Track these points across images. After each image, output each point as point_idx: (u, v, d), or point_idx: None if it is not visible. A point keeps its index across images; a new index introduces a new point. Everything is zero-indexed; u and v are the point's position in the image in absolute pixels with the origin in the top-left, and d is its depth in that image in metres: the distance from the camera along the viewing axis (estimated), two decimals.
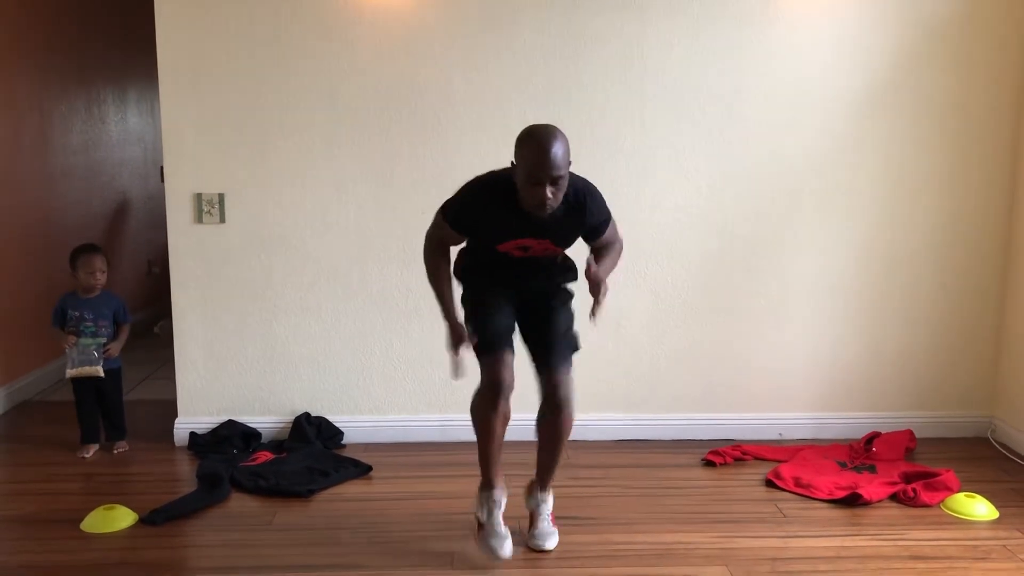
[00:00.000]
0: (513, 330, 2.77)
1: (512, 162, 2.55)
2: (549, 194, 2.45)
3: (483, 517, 2.79)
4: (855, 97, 3.72)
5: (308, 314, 3.78)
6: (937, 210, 3.81)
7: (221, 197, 3.69)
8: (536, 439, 2.86)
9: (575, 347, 2.79)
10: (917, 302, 3.87)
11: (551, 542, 2.86)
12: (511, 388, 2.67)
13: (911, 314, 3.87)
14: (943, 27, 3.68)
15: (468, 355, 2.70)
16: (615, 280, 3.75)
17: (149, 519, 3.05)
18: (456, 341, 2.70)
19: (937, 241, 3.83)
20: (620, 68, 3.66)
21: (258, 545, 2.91)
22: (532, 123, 2.58)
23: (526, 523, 3.00)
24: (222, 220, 3.71)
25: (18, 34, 4.57)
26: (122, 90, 5.82)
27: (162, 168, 3.78)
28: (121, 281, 4.98)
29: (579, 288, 2.79)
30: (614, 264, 2.80)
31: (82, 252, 3.72)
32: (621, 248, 2.85)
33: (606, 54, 3.65)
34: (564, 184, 2.49)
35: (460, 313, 2.77)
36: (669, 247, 3.79)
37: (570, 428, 2.78)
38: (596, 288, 2.56)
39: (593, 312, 2.58)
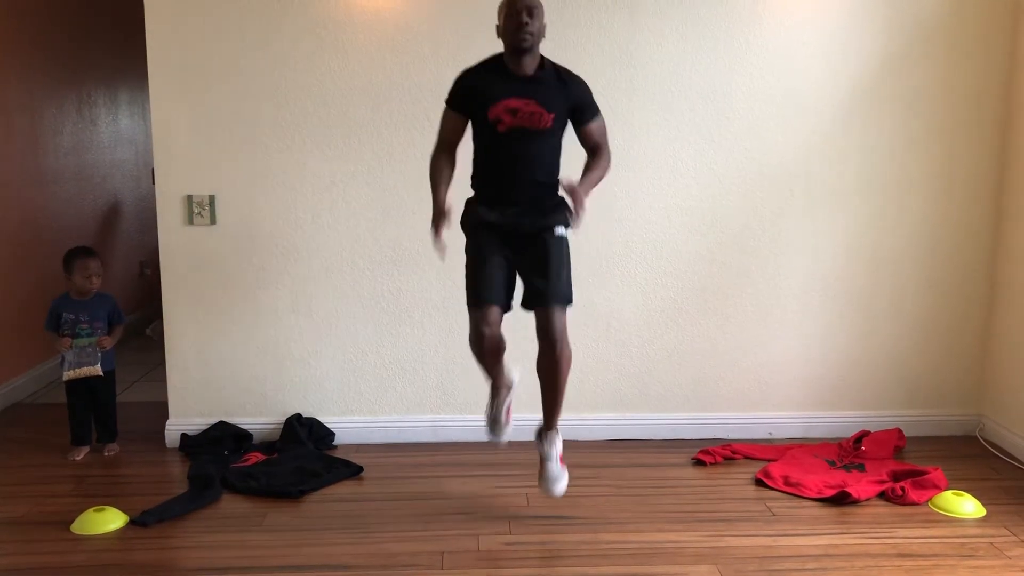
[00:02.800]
0: (505, 285, 2.95)
1: (496, 27, 2.88)
2: (526, 19, 2.78)
3: (490, 407, 3.14)
4: (843, 97, 3.74)
5: (299, 315, 3.79)
6: (925, 210, 3.83)
7: (212, 199, 3.70)
8: (539, 381, 3.01)
9: (568, 298, 2.95)
10: (905, 301, 3.89)
11: (559, 486, 3.05)
12: (495, 338, 2.93)
13: (900, 313, 3.90)
14: (930, 29, 3.71)
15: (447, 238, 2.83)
16: (604, 278, 3.81)
17: (140, 520, 3.05)
18: (437, 223, 2.85)
19: (925, 241, 3.85)
20: (610, 67, 3.67)
21: (249, 546, 2.91)
22: None
23: (517, 523, 3.01)
24: (213, 222, 3.71)
25: (8, 35, 4.56)
26: (113, 92, 5.82)
27: (153, 170, 3.78)
28: (113, 283, 4.97)
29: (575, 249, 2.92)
30: (598, 178, 2.97)
31: (77, 255, 3.71)
32: (608, 163, 3.01)
33: (595, 53, 3.66)
34: (540, 21, 2.85)
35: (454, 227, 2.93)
36: (659, 247, 3.81)
37: (568, 365, 2.94)
38: (574, 198, 2.78)
39: (570, 224, 2.92)
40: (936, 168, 3.81)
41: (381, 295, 3.79)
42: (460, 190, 3.01)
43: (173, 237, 3.72)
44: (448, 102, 2.97)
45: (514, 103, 2.86)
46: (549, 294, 2.89)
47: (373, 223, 3.74)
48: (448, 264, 3.08)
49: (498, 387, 3.13)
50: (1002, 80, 3.75)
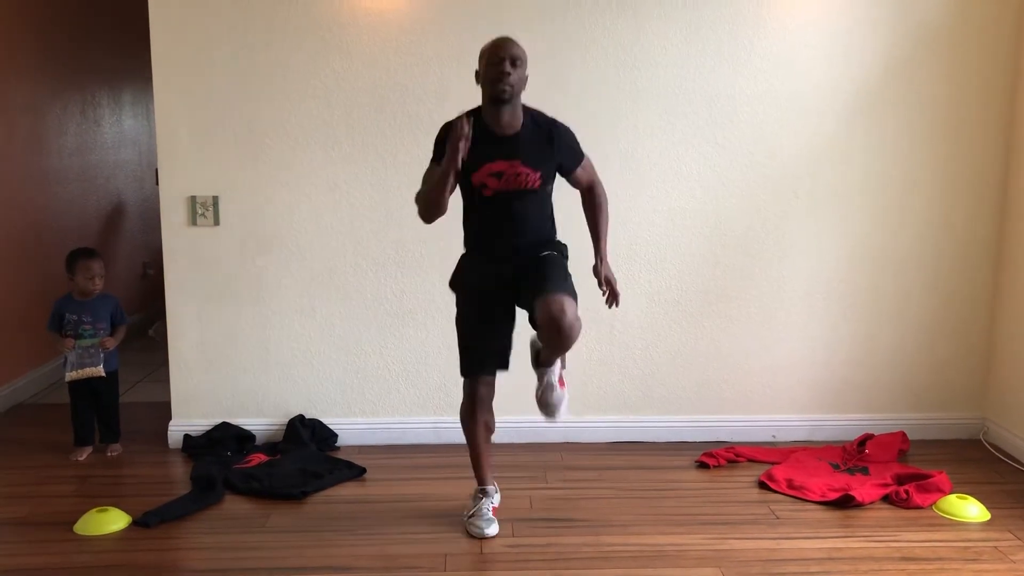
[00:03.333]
0: (499, 351, 2.92)
1: (476, 72, 2.76)
2: (507, 68, 2.66)
3: (473, 508, 3.00)
4: (847, 100, 3.74)
5: (302, 316, 3.79)
6: (929, 213, 3.82)
7: (215, 200, 3.69)
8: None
9: (573, 294, 2.74)
10: (910, 304, 3.88)
11: (562, 408, 2.86)
12: (488, 410, 2.95)
13: (904, 316, 3.89)
14: (934, 32, 3.70)
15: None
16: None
17: (143, 521, 3.05)
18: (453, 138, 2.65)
19: (929, 243, 3.84)
20: (613, 70, 3.67)
21: (252, 547, 2.91)
22: None
23: (519, 525, 3.01)
24: (216, 222, 3.71)
25: (12, 36, 4.57)
26: (116, 92, 5.82)
27: (156, 170, 3.78)
28: (115, 283, 4.97)
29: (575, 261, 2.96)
30: (607, 228, 2.98)
31: (80, 256, 3.71)
32: (606, 199, 2.99)
33: (600, 56, 3.66)
34: (523, 72, 2.73)
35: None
36: (663, 249, 3.80)
37: (574, 334, 2.67)
38: (608, 284, 2.89)
39: (612, 303, 2.92)
40: (940, 171, 3.80)
41: (384, 297, 3.79)
42: (453, 238, 3.01)
43: (176, 238, 3.72)
44: (435, 158, 2.80)
45: (498, 166, 2.75)
46: (545, 285, 2.70)
47: (376, 224, 3.73)
48: (451, 265, 3.07)
49: (483, 483, 3.05)
50: (1006, 82, 3.75)
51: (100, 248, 4.27)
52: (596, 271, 2.92)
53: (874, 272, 3.85)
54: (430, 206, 2.77)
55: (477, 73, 2.77)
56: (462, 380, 2.96)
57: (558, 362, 2.88)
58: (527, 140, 2.78)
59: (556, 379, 2.87)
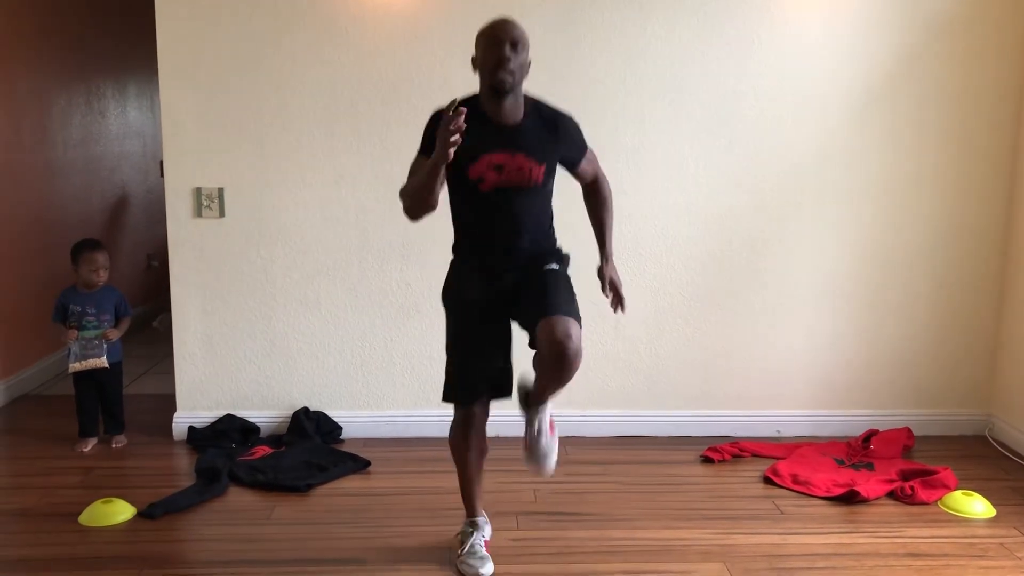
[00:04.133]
0: (496, 375, 2.65)
1: (473, 59, 2.50)
2: (508, 53, 2.40)
3: (464, 545, 2.71)
4: (856, 95, 3.72)
5: (307, 309, 3.78)
6: (936, 209, 3.81)
7: (221, 191, 3.69)
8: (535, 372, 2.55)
9: (577, 316, 2.46)
10: (916, 300, 3.87)
11: (551, 461, 2.59)
12: (484, 422, 2.73)
13: (910, 312, 3.88)
14: (944, 26, 3.68)
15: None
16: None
17: (147, 513, 3.06)
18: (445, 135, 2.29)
19: (936, 239, 3.83)
20: (620, 65, 3.66)
21: (256, 539, 2.91)
22: None
23: (524, 519, 3.01)
24: (222, 214, 3.71)
25: (18, 27, 4.56)
26: (122, 84, 5.81)
27: (161, 162, 3.77)
28: (120, 275, 4.97)
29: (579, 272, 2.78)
30: (612, 226, 2.80)
31: (84, 248, 3.72)
32: (611, 194, 2.78)
33: (606, 52, 3.65)
34: (524, 57, 2.46)
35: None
36: (668, 244, 3.79)
37: (576, 364, 2.40)
38: (612, 289, 2.71)
39: (617, 307, 2.74)
40: (948, 167, 3.78)
41: (389, 289, 3.78)
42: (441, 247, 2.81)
43: (182, 229, 3.72)
44: (423, 150, 2.48)
45: (499, 158, 2.45)
46: (549, 305, 2.43)
47: (381, 217, 3.73)
48: None
49: (474, 514, 2.79)
50: (1016, 80, 3.73)
51: (104, 240, 4.26)
52: (601, 273, 2.71)
53: (880, 268, 3.84)
54: (418, 202, 2.43)
55: (474, 59, 2.49)
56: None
57: (550, 402, 2.58)
58: (530, 131, 2.50)
59: (548, 423, 2.58)
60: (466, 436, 2.69)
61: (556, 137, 2.57)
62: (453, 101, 2.31)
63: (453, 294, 2.66)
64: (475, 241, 2.61)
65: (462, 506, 2.98)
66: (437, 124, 2.32)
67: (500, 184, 2.49)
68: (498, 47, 2.41)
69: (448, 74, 3.63)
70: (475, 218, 2.57)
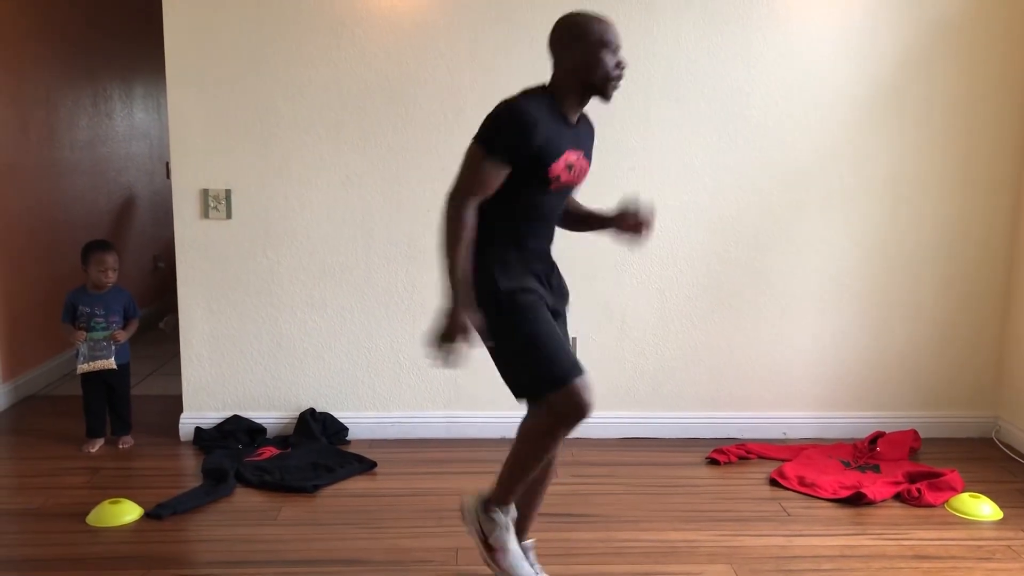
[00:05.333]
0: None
1: (559, 51, 2.36)
2: (624, 58, 2.32)
3: (502, 537, 2.44)
4: (862, 96, 3.72)
5: (314, 310, 3.79)
6: (943, 210, 3.81)
7: (228, 193, 3.70)
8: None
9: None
10: (922, 302, 3.87)
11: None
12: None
13: (916, 314, 3.87)
14: (951, 27, 3.68)
15: (466, 345, 2.24)
16: (619, 277, 3.80)
17: (155, 513, 3.06)
18: (458, 328, 2.19)
19: (943, 241, 3.83)
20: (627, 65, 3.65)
21: (263, 540, 2.91)
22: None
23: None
24: (228, 216, 3.71)
25: (25, 28, 4.57)
26: (128, 85, 5.83)
27: (168, 164, 3.78)
28: (127, 276, 4.98)
29: None
30: None
31: (95, 249, 3.72)
32: None
33: None
34: None
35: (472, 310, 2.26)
36: (674, 245, 3.79)
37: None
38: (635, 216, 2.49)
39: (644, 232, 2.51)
40: (954, 168, 3.78)
41: (395, 290, 3.79)
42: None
43: (189, 231, 3.73)
44: (491, 148, 2.22)
45: (572, 156, 2.33)
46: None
47: (388, 218, 3.73)
48: None
49: (514, 504, 2.51)
50: (1023, 81, 3.72)
51: (111, 241, 4.28)
52: (621, 216, 2.48)
53: (887, 269, 3.84)
54: (452, 251, 2.22)
55: (564, 57, 2.33)
56: (553, 393, 2.27)
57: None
58: (582, 131, 2.43)
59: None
60: (585, 408, 2.27)
61: (592, 139, 2.53)
62: (528, 93, 2.29)
63: (502, 286, 2.30)
64: (525, 238, 2.37)
65: None
66: (511, 120, 2.22)
67: (564, 185, 2.37)
68: (615, 52, 2.32)
69: (454, 76, 3.64)
70: (529, 220, 2.37)
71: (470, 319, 2.21)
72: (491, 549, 2.44)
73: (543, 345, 2.27)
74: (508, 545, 2.44)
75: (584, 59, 2.31)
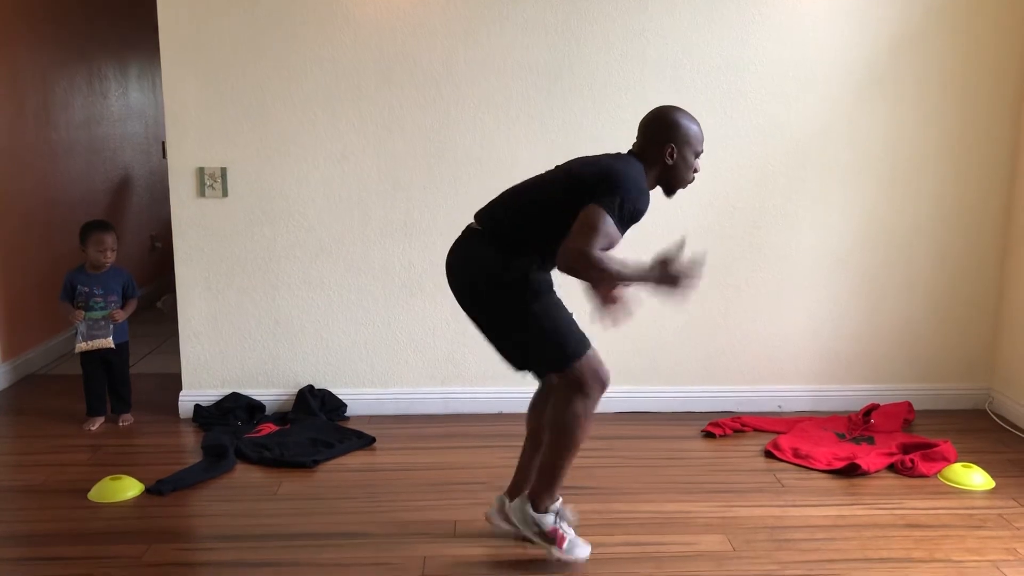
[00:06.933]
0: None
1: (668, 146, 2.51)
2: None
3: (561, 526, 2.62)
4: (858, 72, 3.72)
5: (311, 287, 3.81)
6: (938, 184, 3.82)
7: (223, 171, 3.70)
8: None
9: None
10: (917, 275, 3.89)
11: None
12: None
13: (910, 287, 3.89)
14: (946, 4, 3.67)
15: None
16: (615, 251, 3.80)
17: (155, 489, 3.09)
18: (669, 280, 2.48)
19: (938, 215, 3.84)
20: (622, 40, 3.66)
21: (263, 514, 2.94)
22: (660, 105, 2.64)
23: None
24: (225, 194, 3.72)
25: (18, 9, 4.56)
26: (123, 65, 5.81)
27: (164, 143, 3.78)
28: (125, 256, 4.99)
29: None
30: None
31: (93, 229, 3.73)
32: None
33: (608, 26, 3.64)
34: None
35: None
36: (669, 220, 3.79)
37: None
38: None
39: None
40: (950, 144, 3.79)
41: (392, 267, 3.80)
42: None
43: (185, 210, 3.74)
44: (625, 215, 2.42)
45: None
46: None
47: (384, 195, 3.74)
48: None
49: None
50: (1018, 59, 3.72)
51: (108, 221, 4.29)
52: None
53: (882, 244, 3.86)
54: (598, 283, 2.46)
55: (670, 151, 2.51)
56: (575, 365, 2.50)
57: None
58: None
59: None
60: (607, 376, 2.54)
61: None
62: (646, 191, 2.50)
63: (535, 283, 2.55)
64: (547, 262, 2.57)
65: (466, 482, 3.00)
66: (638, 200, 2.42)
67: None
68: (698, 164, 2.58)
69: (449, 54, 3.63)
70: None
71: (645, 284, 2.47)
72: (552, 539, 2.60)
73: (567, 324, 2.55)
74: (568, 532, 2.62)
75: (676, 163, 2.54)
